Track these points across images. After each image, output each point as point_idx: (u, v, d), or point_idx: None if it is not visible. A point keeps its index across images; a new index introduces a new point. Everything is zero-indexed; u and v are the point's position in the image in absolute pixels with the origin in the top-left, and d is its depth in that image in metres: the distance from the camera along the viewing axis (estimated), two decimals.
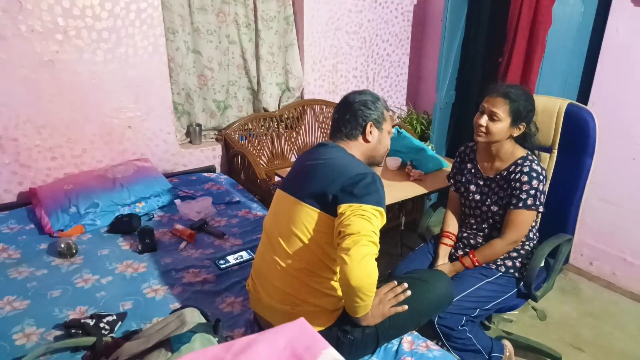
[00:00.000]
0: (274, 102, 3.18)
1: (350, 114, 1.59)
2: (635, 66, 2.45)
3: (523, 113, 1.82)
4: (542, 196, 1.84)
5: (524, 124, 1.85)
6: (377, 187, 1.43)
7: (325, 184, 1.45)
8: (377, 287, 1.56)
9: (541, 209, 1.85)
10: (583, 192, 1.99)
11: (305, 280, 1.50)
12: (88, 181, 2.43)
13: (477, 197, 1.99)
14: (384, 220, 1.43)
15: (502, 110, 1.80)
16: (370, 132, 1.59)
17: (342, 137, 1.60)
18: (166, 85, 2.75)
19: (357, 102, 1.59)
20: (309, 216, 1.47)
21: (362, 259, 1.30)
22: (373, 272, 1.33)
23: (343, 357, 0.80)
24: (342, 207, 1.38)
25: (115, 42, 2.51)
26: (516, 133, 1.86)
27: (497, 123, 1.82)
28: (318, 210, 1.46)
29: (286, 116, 3.21)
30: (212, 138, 3.15)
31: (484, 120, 1.83)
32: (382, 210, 1.42)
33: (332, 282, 1.52)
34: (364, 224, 1.34)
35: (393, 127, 3.03)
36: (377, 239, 1.36)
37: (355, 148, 1.60)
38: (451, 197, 2.16)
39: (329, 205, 1.43)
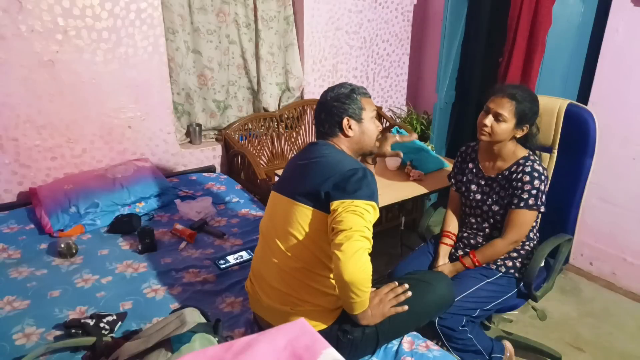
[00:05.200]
0: (274, 102, 3.18)
1: (326, 112, 1.58)
2: (635, 66, 2.45)
3: (528, 115, 1.82)
4: (544, 196, 1.84)
5: (527, 125, 1.85)
6: (369, 181, 1.43)
7: (317, 183, 1.45)
8: (378, 288, 1.57)
9: (542, 209, 1.85)
10: (583, 192, 1.99)
11: (304, 279, 1.50)
12: (88, 181, 2.43)
13: (478, 196, 1.99)
14: (377, 214, 1.43)
15: (507, 111, 1.80)
16: (350, 127, 1.57)
17: (325, 137, 1.60)
18: (166, 85, 2.75)
19: (331, 99, 1.57)
20: (304, 215, 1.47)
21: (354, 254, 1.30)
22: (366, 267, 1.34)
23: (343, 357, 0.80)
24: (335, 204, 1.39)
25: (115, 42, 2.51)
26: (519, 134, 1.86)
27: (502, 124, 1.82)
28: (312, 209, 1.46)
29: (286, 116, 3.21)
30: (212, 138, 3.15)
31: (488, 120, 1.83)
32: (375, 204, 1.42)
33: (331, 281, 1.52)
34: (356, 219, 1.34)
35: (392, 126, 3.05)
36: (369, 234, 1.36)
37: (342, 144, 1.59)
38: (452, 196, 2.16)
39: (322, 203, 1.44)
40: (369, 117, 1.60)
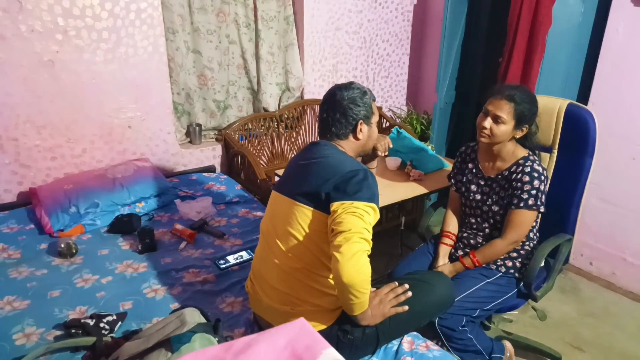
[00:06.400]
0: (274, 102, 3.18)
1: (340, 113, 1.56)
2: (635, 66, 2.45)
3: (527, 116, 1.82)
4: (543, 196, 1.84)
5: (527, 125, 1.85)
6: (369, 183, 1.43)
7: (318, 183, 1.45)
8: (378, 288, 1.57)
9: (542, 209, 1.85)
10: (583, 192, 1.99)
11: (304, 280, 1.50)
12: (88, 181, 2.43)
13: (478, 197, 1.99)
14: (378, 216, 1.43)
15: (506, 113, 1.80)
16: (361, 130, 1.58)
17: (332, 137, 1.59)
18: (166, 85, 2.75)
19: (347, 100, 1.55)
20: (304, 215, 1.47)
21: (353, 256, 1.30)
22: (365, 269, 1.33)
23: (343, 357, 0.79)
24: (335, 205, 1.39)
25: (115, 42, 2.51)
26: (519, 135, 1.86)
27: (501, 126, 1.81)
28: (312, 209, 1.46)
29: (286, 116, 3.21)
30: (212, 138, 3.15)
31: (487, 122, 1.83)
32: (375, 206, 1.42)
33: (330, 281, 1.52)
34: (356, 221, 1.34)
35: (393, 127, 3.05)
36: (369, 235, 1.36)
37: (346, 145, 1.59)
38: (451, 196, 2.16)
39: (322, 204, 1.44)
40: (375, 121, 1.62)
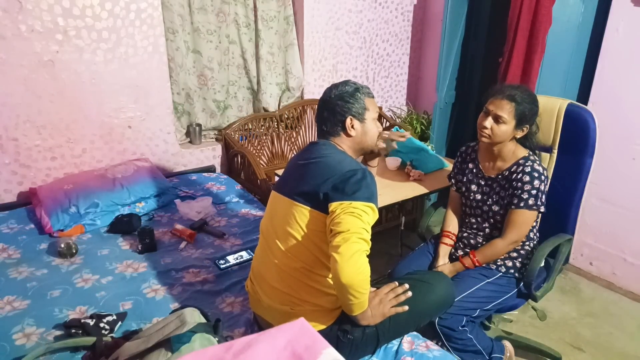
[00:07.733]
0: (274, 102, 3.18)
1: (328, 110, 1.56)
2: (635, 66, 2.45)
3: (528, 116, 1.82)
4: (544, 196, 1.84)
5: (527, 125, 1.85)
6: (368, 183, 1.42)
7: (317, 183, 1.45)
8: (378, 288, 1.57)
9: (542, 209, 1.85)
10: (583, 192, 1.99)
11: (303, 279, 1.50)
12: (88, 181, 2.43)
13: (479, 196, 1.99)
14: (376, 216, 1.43)
15: (507, 113, 1.80)
16: (352, 126, 1.56)
17: (327, 136, 1.59)
18: (166, 85, 2.75)
19: (335, 97, 1.55)
20: (303, 215, 1.47)
21: (351, 256, 1.30)
22: (364, 269, 1.33)
23: (343, 357, 0.79)
24: (333, 205, 1.38)
25: (115, 42, 2.51)
26: (519, 134, 1.86)
27: (502, 125, 1.81)
28: (311, 209, 1.46)
29: (286, 116, 3.21)
30: (212, 138, 3.15)
31: (488, 122, 1.83)
32: (374, 205, 1.41)
33: (330, 280, 1.51)
34: (355, 221, 1.34)
35: (392, 126, 3.05)
36: (368, 235, 1.36)
37: (343, 143, 1.58)
38: (452, 196, 2.16)
39: (320, 204, 1.43)
40: (371, 117, 1.59)
